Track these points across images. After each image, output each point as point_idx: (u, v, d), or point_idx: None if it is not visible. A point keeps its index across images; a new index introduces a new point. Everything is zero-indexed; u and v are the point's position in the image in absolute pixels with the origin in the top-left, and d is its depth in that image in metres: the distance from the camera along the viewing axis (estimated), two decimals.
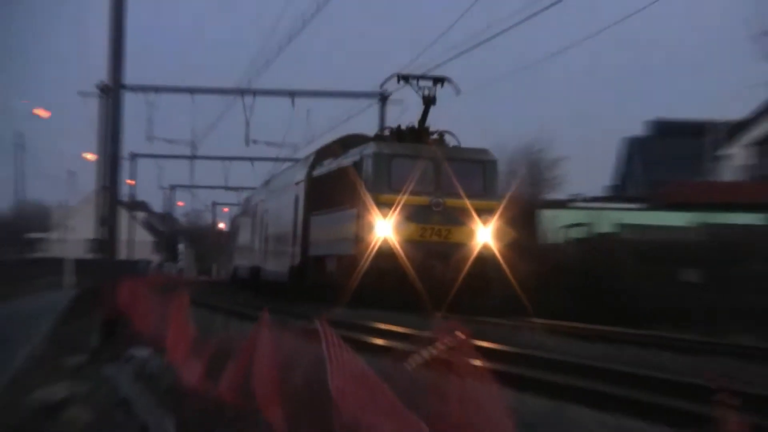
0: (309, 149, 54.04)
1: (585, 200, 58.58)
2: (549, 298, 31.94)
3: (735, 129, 64.29)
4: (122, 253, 46.88)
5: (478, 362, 8.04)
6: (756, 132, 57.85)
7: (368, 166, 32.79)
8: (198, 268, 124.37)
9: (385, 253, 31.11)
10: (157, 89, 59.84)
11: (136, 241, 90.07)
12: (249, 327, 15.69)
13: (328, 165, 39.44)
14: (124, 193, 59.59)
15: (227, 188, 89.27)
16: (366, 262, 31.04)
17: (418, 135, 34.64)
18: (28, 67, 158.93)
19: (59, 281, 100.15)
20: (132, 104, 49.62)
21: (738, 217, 38.77)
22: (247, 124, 61.22)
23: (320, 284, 37.11)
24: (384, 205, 31.51)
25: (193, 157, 77.30)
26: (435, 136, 34.71)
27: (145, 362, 22.09)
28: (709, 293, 31.84)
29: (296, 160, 55.76)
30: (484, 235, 31.71)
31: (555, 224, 43.44)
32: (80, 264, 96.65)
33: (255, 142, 63.90)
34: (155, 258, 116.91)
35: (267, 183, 57.54)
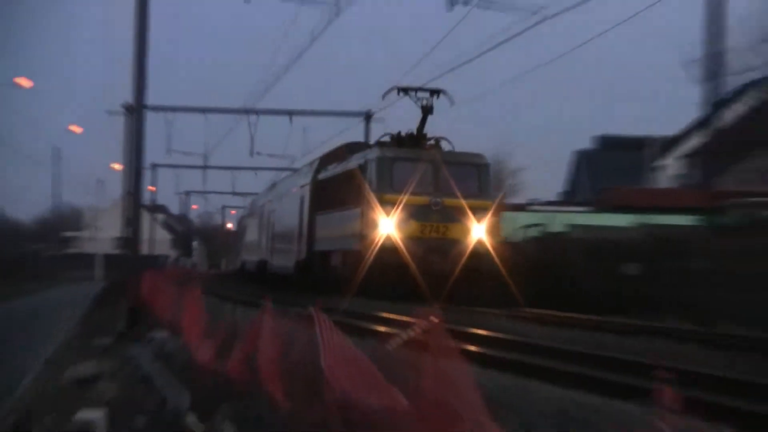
0: (305, 160, 54.09)
1: (540, 204, 58.57)
2: (511, 289, 31.68)
3: (669, 144, 64.45)
4: (144, 250, 46.64)
5: (450, 343, 8.04)
6: (687, 146, 57.89)
7: (372, 168, 31.89)
8: (209, 262, 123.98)
9: (389, 249, 30.19)
10: (174, 109, 60.19)
11: (156, 239, 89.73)
12: (254, 314, 15.64)
13: (333, 169, 38.38)
14: (146, 198, 59.38)
15: (234, 193, 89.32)
16: (371, 256, 30.06)
17: (416, 140, 33.70)
18: (65, 89, 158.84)
19: (91, 274, 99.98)
20: (153, 122, 49.57)
21: (671, 218, 38.76)
22: (252, 138, 61.46)
23: (325, 277, 36.00)
24: (387, 204, 30.59)
25: (205, 167, 77.20)
26: (432, 142, 33.83)
27: (164, 343, 22.04)
28: (646, 284, 31.86)
29: (294, 169, 55.58)
30: (479, 231, 30.96)
31: (515, 225, 43.33)
32: (108, 259, 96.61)
33: (258, 153, 64.02)
34: (172, 254, 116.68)
35: (272, 187, 56.85)
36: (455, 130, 36.19)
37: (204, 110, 63.02)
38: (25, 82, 62.41)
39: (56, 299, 58.56)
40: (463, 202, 30.82)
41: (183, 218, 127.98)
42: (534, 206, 56.68)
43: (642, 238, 36.79)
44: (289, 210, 44.42)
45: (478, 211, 30.99)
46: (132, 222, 36.65)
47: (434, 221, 31.00)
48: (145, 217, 55.52)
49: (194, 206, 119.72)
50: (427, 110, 33.16)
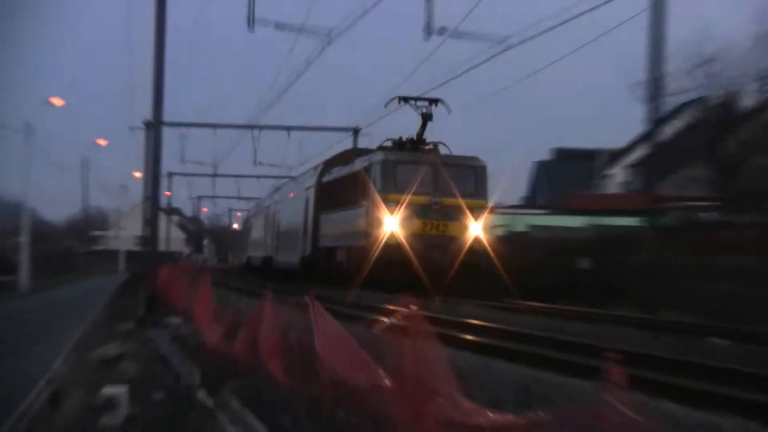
0: (301, 169, 54.27)
1: (505, 207, 58.61)
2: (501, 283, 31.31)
3: (616, 155, 64.56)
4: (161, 247, 46.51)
5: (427, 328, 8.01)
6: (631, 157, 57.98)
7: (377, 170, 30.90)
8: (217, 258, 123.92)
9: (393, 245, 29.28)
10: (187, 125, 60.06)
11: (172, 238, 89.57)
12: (256, 302, 15.59)
13: (337, 172, 37.37)
14: (163, 202, 59.20)
15: (240, 198, 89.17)
16: (376, 252, 29.17)
17: (416, 145, 32.90)
18: (93, 108, 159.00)
19: (115, 268, 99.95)
20: (169, 136, 49.41)
21: (618, 220, 38.82)
22: (255, 150, 61.47)
23: (330, 271, 35.09)
24: (391, 204, 29.62)
25: (214, 175, 77.22)
26: (430, 146, 32.96)
27: (178, 328, 21.97)
28: (597, 276, 31.88)
29: (292, 177, 55.44)
30: (476, 229, 30.06)
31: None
32: (130, 255, 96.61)
33: (260, 163, 63.84)
34: (186, 250, 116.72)
35: (276, 190, 56.14)
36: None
37: (213, 126, 63.23)
38: (58, 101, 62.25)
39: (86, 289, 58.45)
40: (461, 202, 29.98)
41: (195, 219, 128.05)
42: (499, 209, 56.68)
43: (593, 237, 36.87)
44: (295, 210, 43.50)
45: (475, 210, 30.17)
46: (150, 223, 36.61)
47: (434, 219, 30.14)
48: (162, 219, 55.24)
49: (204, 209, 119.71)
50: (426, 117, 32.53)
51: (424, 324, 7.94)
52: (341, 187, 35.57)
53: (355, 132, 56.92)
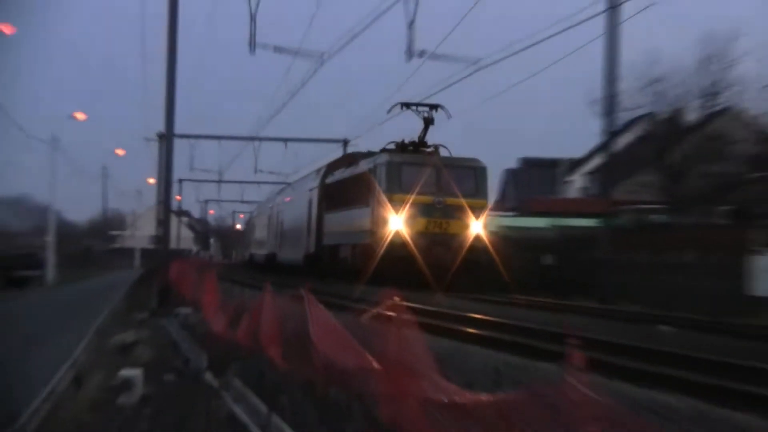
0: (297, 176, 54.31)
1: None
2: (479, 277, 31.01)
3: (576, 163, 64.66)
4: (172, 245, 46.46)
5: (409, 317, 7.99)
6: (589, 165, 58.10)
7: (382, 171, 29.23)
8: (222, 254, 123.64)
9: (398, 242, 27.78)
10: (196, 137, 60.21)
11: (182, 237, 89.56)
12: (257, 294, 15.56)
13: (341, 174, 35.60)
14: (174, 205, 59.08)
15: (242, 201, 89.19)
16: (382, 249, 27.68)
17: (418, 147, 31.31)
18: (111, 121, 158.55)
19: (131, 263, 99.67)
20: (179, 146, 49.21)
21: (578, 221, 38.83)
22: (255, 159, 61.70)
23: (334, 267, 33.37)
24: (396, 203, 28.12)
25: (219, 182, 77.13)
26: (431, 149, 31.26)
27: (187, 317, 21.92)
28: (560, 271, 31.92)
29: (288, 183, 55.29)
30: (476, 227, 28.52)
31: None
32: (144, 252, 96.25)
33: (260, 171, 64.17)
34: (194, 248, 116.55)
35: (280, 192, 54.91)
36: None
37: (219, 137, 63.65)
38: (80, 115, 62.26)
39: (105, 283, 58.32)
40: (463, 201, 28.54)
41: (202, 221, 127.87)
42: None
43: (556, 236, 36.91)
44: (298, 210, 42.01)
45: (476, 209, 28.72)
46: (163, 223, 36.57)
47: (438, 218, 28.62)
48: (173, 220, 55.22)
49: (211, 211, 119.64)
50: (428, 121, 31.03)
51: (405, 313, 7.94)
52: (346, 187, 33.99)
53: (344, 143, 56.94)
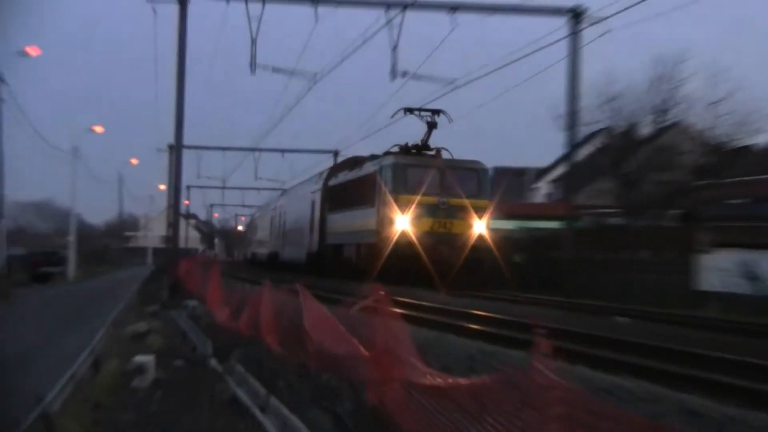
0: (292, 183, 54.16)
1: None
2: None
3: (541, 172, 64.77)
4: (181, 244, 46.32)
5: (393, 309, 7.99)
6: (553, 174, 58.22)
7: (388, 173, 27.41)
8: (226, 253, 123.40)
9: (405, 241, 26.14)
10: (202, 147, 60.03)
11: (189, 237, 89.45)
12: (257, 288, 15.54)
13: (344, 176, 33.69)
14: (182, 209, 59.01)
15: (243, 206, 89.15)
16: (389, 248, 26.06)
17: (421, 150, 29.42)
18: (126, 133, 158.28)
19: (143, 261, 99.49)
20: (187, 156, 48.84)
21: (544, 223, 38.89)
22: (255, 167, 61.73)
23: (338, 265, 31.64)
24: (402, 204, 26.45)
25: (223, 188, 77.11)
26: (433, 151, 29.25)
27: (194, 309, 21.87)
28: (528, 269, 31.91)
29: (285, 190, 55.11)
30: (479, 226, 26.91)
31: None
32: (156, 251, 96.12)
33: (260, 178, 64.25)
34: (200, 247, 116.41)
35: (281, 195, 53.52)
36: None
37: (223, 148, 63.99)
38: (99, 128, 62.25)
39: (120, 278, 58.20)
40: (466, 202, 26.88)
41: (208, 223, 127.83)
42: None
43: (524, 237, 36.92)
44: (301, 211, 40.15)
45: (478, 209, 27.05)
46: (172, 225, 36.57)
47: (442, 218, 26.92)
48: (182, 222, 55.11)
49: (216, 214, 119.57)
50: (432, 125, 29.23)
51: (390, 305, 7.94)
52: (350, 189, 32.10)
53: (335, 154, 56.84)
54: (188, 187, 76.27)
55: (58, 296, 39.22)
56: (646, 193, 38.51)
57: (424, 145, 29.50)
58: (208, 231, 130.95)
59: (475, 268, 26.80)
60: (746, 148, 40.21)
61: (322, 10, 29.43)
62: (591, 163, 41.16)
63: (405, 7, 28.49)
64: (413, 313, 15.08)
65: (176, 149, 34.28)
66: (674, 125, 40.52)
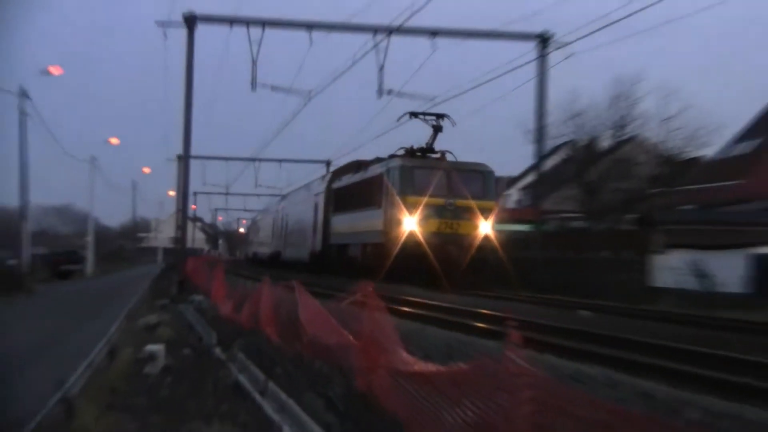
0: (288, 190, 54.04)
1: None
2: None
3: (513, 180, 64.83)
4: (188, 245, 46.23)
5: (379, 303, 7.98)
6: (523, 182, 58.35)
7: (396, 175, 25.58)
8: (229, 253, 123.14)
9: (413, 241, 24.41)
10: (207, 158, 59.84)
11: (196, 238, 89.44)
12: (257, 284, 15.50)
13: (349, 179, 31.64)
14: (190, 213, 58.89)
15: (245, 210, 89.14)
16: (397, 248, 24.36)
17: (426, 153, 27.49)
18: (140, 144, 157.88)
19: (154, 260, 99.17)
20: (194, 165, 48.64)
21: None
22: (256, 176, 61.79)
23: (342, 265, 29.66)
24: (410, 205, 24.69)
25: (226, 194, 77.10)
26: (437, 154, 27.36)
27: (200, 303, 21.79)
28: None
29: (283, 196, 54.89)
30: (485, 227, 25.13)
31: None
32: (166, 250, 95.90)
33: (260, 185, 64.32)
34: (206, 247, 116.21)
35: (282, 199, 52.06)
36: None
37: (226, 158, 64.22)
38: (114, 140, 62.14)
39: (133, 275, 58.02)
40: (472, 203, 25.08)
41: (212, 225, 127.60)
42: None
43: (498, 239, 36.86)
44: (304, 213, 38.23)
45: (484, 210, 25.24)
46: (181, 227, 36.50)
47: (448, 218, 25.03)
48: (189, 225, 54.98)
49: (220, 218, 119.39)
50: (437, 129, 27.43)
51: (377, 299, 7.93)
52: (356, 191, 29.97)
53: (327, 163, 56.79)
54: (195, 193, 76.22)
55: (76, 291, 39.04)
56: (606, 199, 38.62)
57: (429, 148, 27.87)
58: (212, 233, 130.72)
59: (481, 268, 25.41)
60: (695, 160, 40.49)
61: (316, 34, 29.59)
62: (557, 172, 41.25)
63: (390, 32, 28.56)
64: (397, 307, 15.05)
65: (184, 159, 34.29)
66: (631, 139, 40.67)
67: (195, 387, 10.02)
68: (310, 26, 29.64)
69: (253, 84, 30.98)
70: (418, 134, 29.50)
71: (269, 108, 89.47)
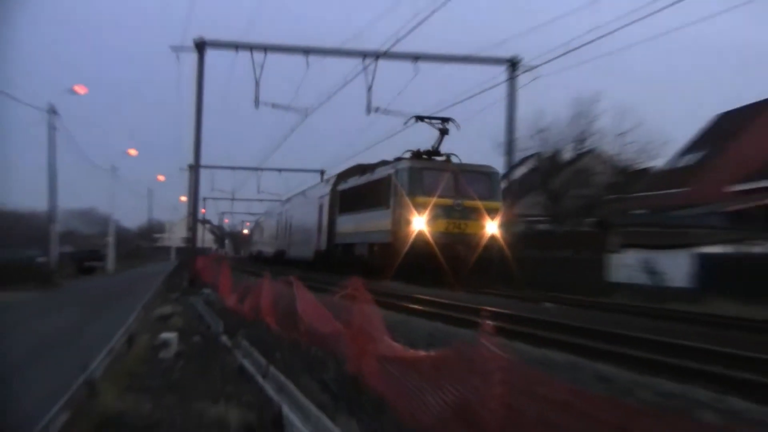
0: (287, 195, 53.88)
1: None
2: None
3: None
4: (198, 244, 46.09)
5: (368, 296, 7.97)
6: None
7: (404, 176, 23.82)
8: (234, 251, 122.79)
9: (422, 241, 22.80)
10: (215, 167, 59.67)
11: (205, 239, 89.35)
12: (259, 279, 15.47)
13: (355, 181, 29.62)
14: (199, 216, 58.79)
15: (249, 213, 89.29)
16: (406, 247, 22.80)
17: (432, 155, 25.67)
18: (155, 154, 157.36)
19: (168, 258, 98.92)
20: (203, 173, 48.25)
21: None
22: (258, 183, 62.09)
23: (348, 263, 27.02)
24: (418, 205, 23.05)
25: (232, 199, 77.16)
26: (443, 157, 25.55)
27: (209, 296, 21.72)
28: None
29: (283, 201, 54.60)
30: (491, 227, 23.48)
31: None
32: (178, 249, 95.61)
33: (262, 191, 64.37)
34: (214, 246, 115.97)
35: (286, 201, 49.89)
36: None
37: (232, 168, 64.16)
38: (133, 151, 62.08)
39: (149, 271, 57.81)
40: (479, 204, 23.47)
41: (220, 227, 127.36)
42: None
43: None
44: (308, 214, 36.11)
45: (491, 211, 23.61)
46: (191, 229, 36.39)
47: (456, 219, 23.34)
48: (199, 227, 54.84)
49: (226, 220, 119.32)
50: (443, 132, 25.63)
51: (366, 293, 7.92)
52: (362, 192, 27.87)
53: (321, 172, 56.70)
54: (204, 199, 76.16)
55: (99, 286, 38.86)
56: (568, 205, 38.80)
57: (434, 151, 25.97)
58: (219, 234, 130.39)
59: (488, 267, 23.84)
60: (646, 170, 40.72)
61: (312, 58, 29.53)
62: (524, 181, 41.36)
63: (377, 56, 28.58)
64: (385, 300, 15.05)
65: (195, 168, 34.18)
66: (590, 152, 40.88)
67: (204, 370, 9.99)
68: (307, 51, 29.61)
69: (256, 102, 30.91)
70: (404, 146, 29.06)
71: (270, 123, 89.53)
